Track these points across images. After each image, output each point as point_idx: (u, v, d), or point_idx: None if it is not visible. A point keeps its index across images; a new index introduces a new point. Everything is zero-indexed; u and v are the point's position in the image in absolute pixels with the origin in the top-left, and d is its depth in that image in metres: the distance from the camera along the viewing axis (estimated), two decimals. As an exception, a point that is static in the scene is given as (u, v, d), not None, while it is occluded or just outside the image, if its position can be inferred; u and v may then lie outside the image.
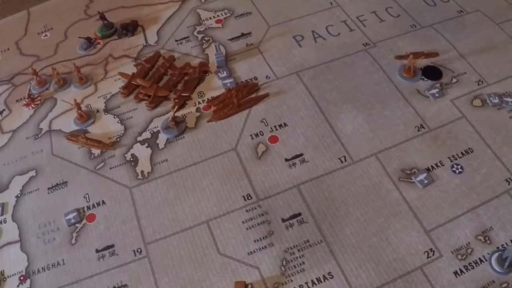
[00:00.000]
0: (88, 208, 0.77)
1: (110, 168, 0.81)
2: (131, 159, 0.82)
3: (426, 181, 0.75)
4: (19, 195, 0.80)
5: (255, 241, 0.72)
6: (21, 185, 0.81)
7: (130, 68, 0.96)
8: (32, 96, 0.94)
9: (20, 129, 0.89)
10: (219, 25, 1.03)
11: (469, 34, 0.96)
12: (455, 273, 0.67)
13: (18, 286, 0.70)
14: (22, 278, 0.71)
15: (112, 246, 0.73)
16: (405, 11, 1.02)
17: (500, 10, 1.01)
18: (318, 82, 0.90)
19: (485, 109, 0.84)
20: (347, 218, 0.73)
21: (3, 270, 0.72)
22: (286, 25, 1.01)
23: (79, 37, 1.03)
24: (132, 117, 0.88)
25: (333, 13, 1.03)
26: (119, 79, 0.95)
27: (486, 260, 0.68)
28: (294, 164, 0.79)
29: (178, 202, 0.76)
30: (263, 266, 0.69)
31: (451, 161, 0.78)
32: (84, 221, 0.76)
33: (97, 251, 0.73)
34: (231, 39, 0.99)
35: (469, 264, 0.68)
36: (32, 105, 0.93)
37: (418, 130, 0.82)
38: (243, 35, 1.00)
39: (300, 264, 0.69)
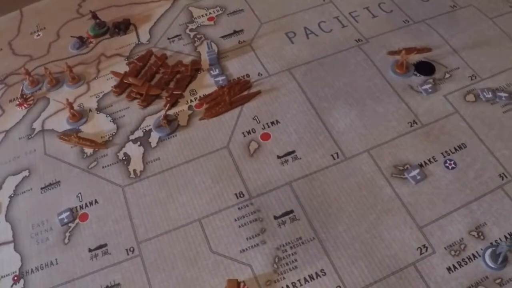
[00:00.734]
0: (81, 207, 0.77)
1: (103, 167, 0.81)
2: (124, 158, 0.82)
3: (419, 177, 0.75)
4: (12, 195, 0.80)
5: (247, 238, 0.71)
6: (14, 185, 0.81)
7: (122, 67, 0.95)
8: (25, 96, 0.94)
9: (13, 129, 0.89)
10: (211, 22, 1.03)
11: (462, 29, 0.96)
12: (448, 269, 0.67)
13: (11, 286, 0.70)
14: (15, 278, 0.71)
15: (105, 245, 0.73)
16: (397, 6, 1.02)
17: (493, 5, 1.00)
18: (311, 79, 0.90)
19: (478, 104, 0.84)
20: (339, 215, 0.73)
21: (-3, 271, 0.72)
22: (278, 22, 1.01)
23: (72, 36, 1.03)
24: (124, 116, 0.88)
25: (325, 9, 1.03)
26: (111, 78, 0.94)
27: (480, 256, 0.68)
28: (286, 161, 0.79)
29: (170, 201, 0.76)
30: (255, 264, 0.69)
31: (444, 156, 0.78)
32: (77, 220, 0.76)
33: (90, 250, 0.72)
34: (223, 37, 0.99)
35: (463, 260, 0.67)
36: (25, 105, 0.93)
37: (411, 126, 0.82)
38: (235, 32, 1.00)
39: (293, 262, 0.69)
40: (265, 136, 0.82)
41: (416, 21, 0.98)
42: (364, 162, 0.78)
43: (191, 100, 0.89)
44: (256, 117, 0.85)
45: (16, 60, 1.02)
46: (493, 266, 0.66)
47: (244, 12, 1.04)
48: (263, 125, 0.84)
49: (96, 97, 0.92)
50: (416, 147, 0.79)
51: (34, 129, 0.89)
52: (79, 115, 0.89)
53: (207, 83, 0.91)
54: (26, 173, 0.82)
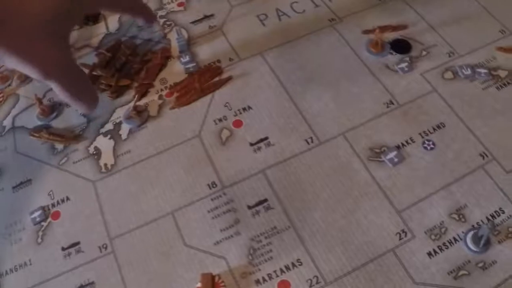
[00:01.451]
0: (53, 205, 0.75)
1: (74, 163, 0.79)
2: (94, 152, 0.80)
3: (396, 160, 0.73)
4: (-17, 196, 0.78)
5: (221, 230, 0.70)
6: (-14, 186, 0.79)
7: (92, 59, 0.92)
8: (-7, 93, 0.91)
9: (-18, 128, 0.87)
10: (181, 8, 0.99)
11: (440, 4, 0.93)
12: (429, 254, 0.65)
13: (-15, 289, 0.69)
14: (-11, 281, 0.70)
15: (78, 243, 0.71)
16: (373, -17, 0.98)
17: (472, -22, 0.97)
18: (283, 62, 0.87)
19: (457, 81, 0.82)
20: (315, 201, 0.71)
21: (-30, 274, 0.70)
22: (250, 4, 0.97)
23: (39, 29, 0.99)
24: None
25: (298, -12, 1.00)
26: (80, 70, 0.91)
27: (461, 239, 0.66)
28: (259, 148, 0.77)
29: (142, 194, 0.74)
30: (230, 256, 0.67)
31: (422, 137, 0.76)
32: (49, 219, 0.74)
33: (63, 249, 0.71)
34: (193, 22, 0.96)
35: (443, 244, 0.66)
36: (-6, 103, 0.90)
37: (387, 107, 0.79)
38: (205, 17, 0.96)
39: (268, 252, 0.67)
40: (237, 123, 0.80)
41: (392, -3, 0.95)
42: (339, 145, 0.76)
43: (161, 89, 0.86)
44: (227, 104, 0.82)
45: (-17, 56, 0.99)
46: (475, 249, 0.64)
47: (215, -4, 1.01)
48: (234, 111, 0.81)
49: (66, 91, 0.89)
50: (393, 128, 0.77)
51: (4, 126, 0.86)
52: (49, 110, 0.86)
53: (177, 71, 0.88)
54: (-4, 172, 0.80)
